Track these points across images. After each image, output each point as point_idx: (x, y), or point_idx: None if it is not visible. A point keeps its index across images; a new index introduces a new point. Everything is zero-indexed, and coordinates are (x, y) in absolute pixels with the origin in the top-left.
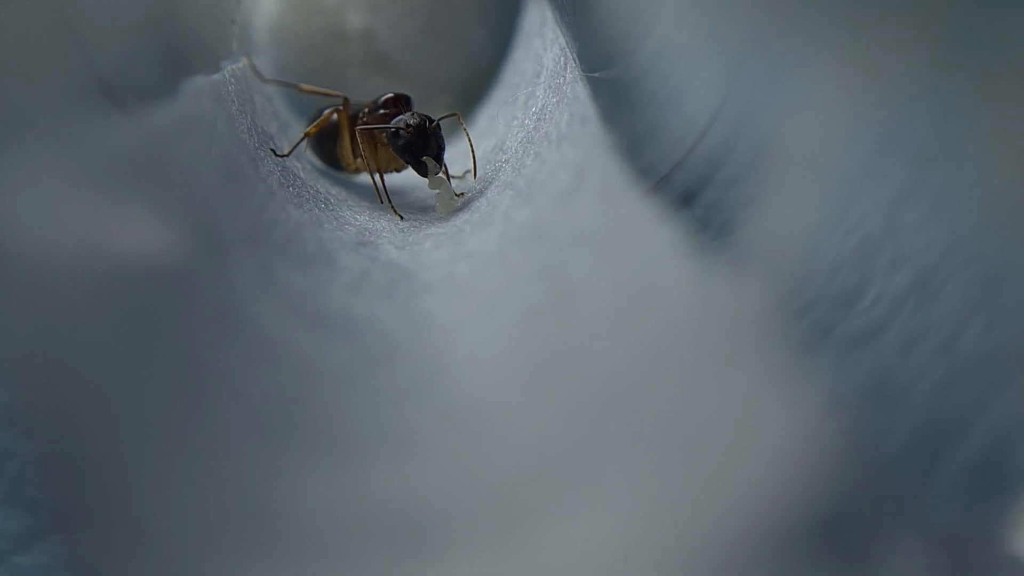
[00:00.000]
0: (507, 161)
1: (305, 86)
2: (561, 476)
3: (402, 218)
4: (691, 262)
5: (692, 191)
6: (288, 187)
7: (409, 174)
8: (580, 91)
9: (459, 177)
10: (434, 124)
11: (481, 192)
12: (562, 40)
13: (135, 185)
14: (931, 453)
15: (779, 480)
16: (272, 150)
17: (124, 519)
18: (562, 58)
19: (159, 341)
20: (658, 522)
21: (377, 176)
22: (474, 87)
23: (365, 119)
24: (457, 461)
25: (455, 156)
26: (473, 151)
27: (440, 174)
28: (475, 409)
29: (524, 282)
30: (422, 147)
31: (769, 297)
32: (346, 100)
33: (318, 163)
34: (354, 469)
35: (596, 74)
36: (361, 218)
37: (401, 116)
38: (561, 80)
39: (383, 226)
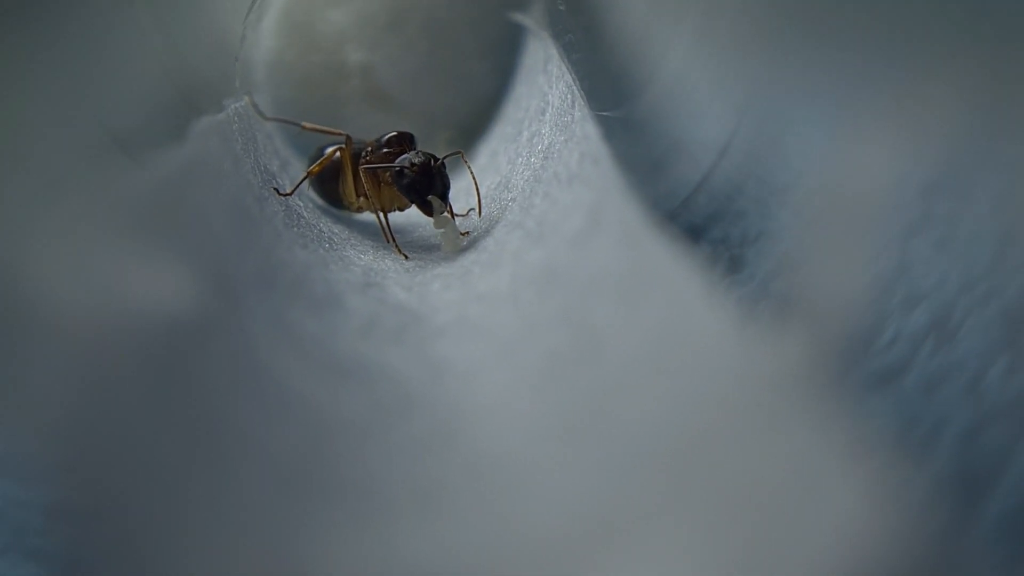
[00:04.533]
0: (514, 200)
1: (307, 124)
2: (603, 535)
3: (407, 258)
4: (724, 308)
5: (699, 228)
6: (293, 227)
7: (411, 212)
8: (590, 130)
9: (463, 215)
10: (439, 163)
11: (487, 231)
12: (568, 77)
13: (151, 233)
14: (965, 500)
15: (847, 544)
16: (275, 189)
17: None
18: (569, 96)
19: (179, 395)
20: None
21: (381, 215)
22: (474, 123)
23: (368, 157)
24: (490, 518)
25: (455, 193)
26: (478, 190)
27: (445, 213)
28: (503, 462)
29: (542, 327)
30: (427, 186)
31: (804, 341)
32: (348, 138)
33: (319, 201)
34: (383, 528)
35: (606, 113)
36: (365, 257)
37: (405, 155)
38: (569, 118)
39: (388, 266)
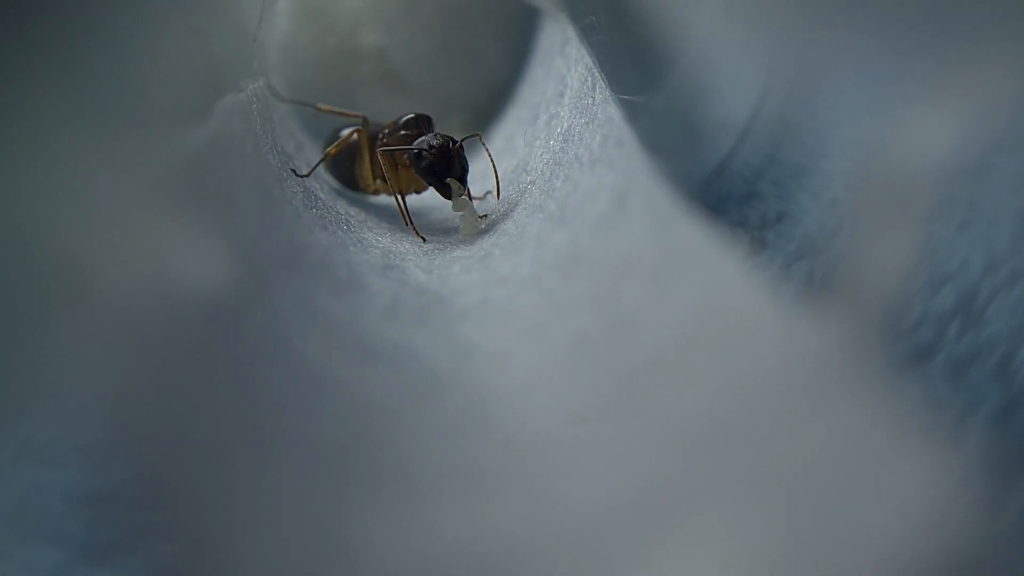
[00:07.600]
0: (533, 183)
1: (323, 106)
2: (647, 517)
3: (424, 240)
4: (762, 291)
5: (721, 209)
6: (311, 208)
7: (427, 195)
8: (613, 112)
9: (480, 198)
10: (457, 145)
11: (506, 215)
12: (588, 60)
13: (185, 210)
14: (998, 483)
15: (911, 530)
16: (293, 170)
17: (203, 558)
18: (589, 78)
19: (221, 374)
20: (769, 570)
21: (399, 197)
22: (489, 106)
23: (385, 140)
24: (526, 497)
25: (472, 176)
26: (496, 172)
27: (464, 195)
28: (538, 442)
29: (569, 309)
30: (446, 168)
31: (841, 322)
32: (365, 120)
33: (334, 184)
34: (421, 507)
35: (629, 96)
36: (383, 240)
37: (424, 137)
38: (589, 101)
39: (406, 248)
